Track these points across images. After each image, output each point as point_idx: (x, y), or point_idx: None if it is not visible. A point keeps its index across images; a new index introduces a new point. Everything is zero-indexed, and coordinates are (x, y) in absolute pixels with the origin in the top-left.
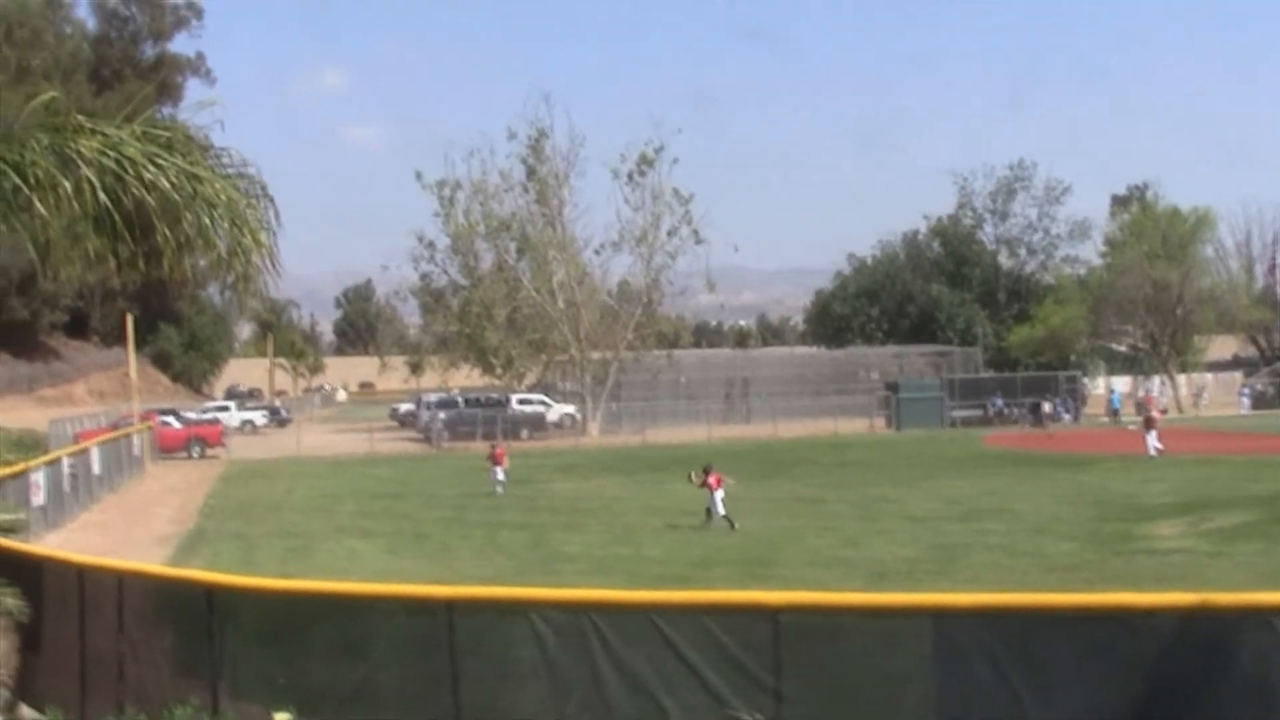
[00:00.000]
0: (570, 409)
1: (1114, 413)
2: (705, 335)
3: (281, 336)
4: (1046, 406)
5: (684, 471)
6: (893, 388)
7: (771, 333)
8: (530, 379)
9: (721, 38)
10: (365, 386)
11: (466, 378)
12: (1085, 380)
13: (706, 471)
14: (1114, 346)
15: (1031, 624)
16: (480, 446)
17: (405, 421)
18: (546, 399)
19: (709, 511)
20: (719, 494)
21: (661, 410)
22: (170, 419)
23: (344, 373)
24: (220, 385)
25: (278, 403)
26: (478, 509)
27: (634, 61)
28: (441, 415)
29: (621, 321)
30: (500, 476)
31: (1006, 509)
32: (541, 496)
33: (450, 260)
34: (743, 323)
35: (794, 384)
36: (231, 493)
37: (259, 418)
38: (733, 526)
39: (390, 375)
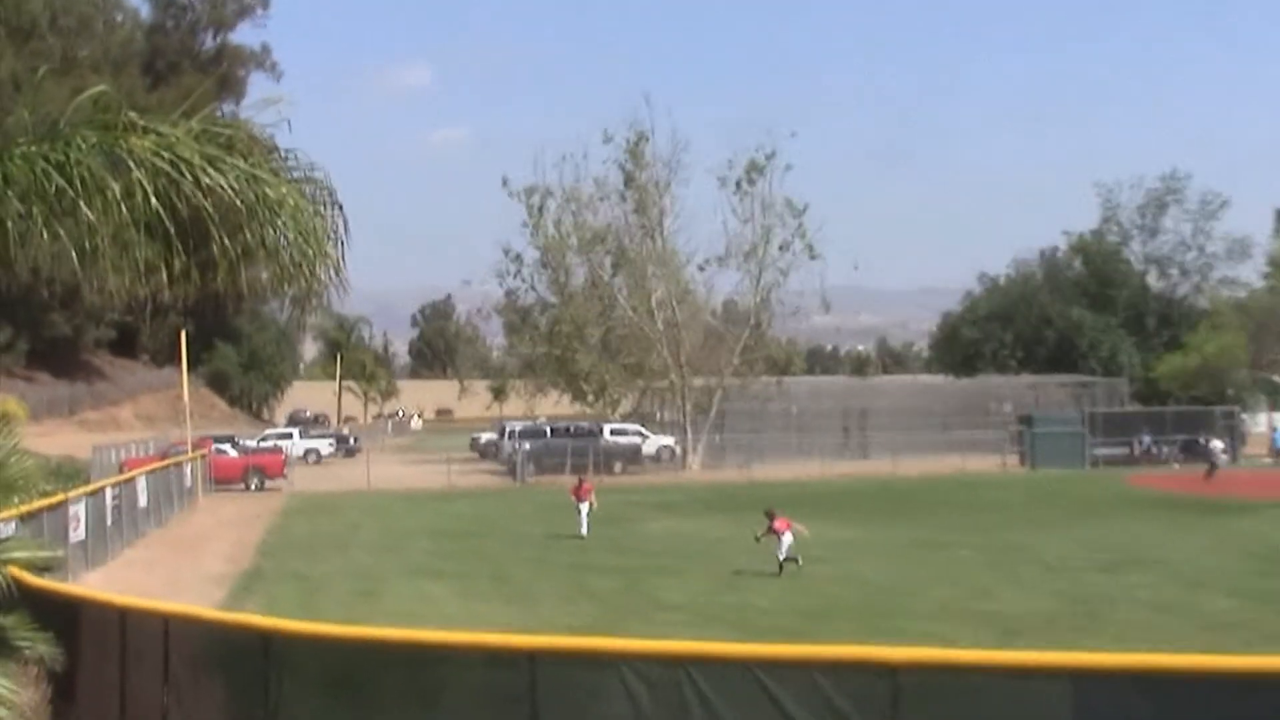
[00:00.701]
0: (669, 441)
1: (1276, 453)
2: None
3: (351, 357)
4: (1217, 444)
5: (795, 511)
6: (1027, 422)
7: (893, 359)
8: (625, 407)
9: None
10: (443, 413)
11: (554, 405)
12: (1244, 416)
13: (770, 516)
14: (1277, 379)
15: (1184, 689)
16: (570, 481)
17: (486, 452)
18: (643, 429)
19: (782, 562)
20: (786, 537)
21: (769, 443)
22: (226, 447)
23: (419, 397)
24: (282, 410)
25: (345, 430)
26: (564, 550)
27: (743, 59)
28: (526, 446)
29: (727, 345)
30: (585, 514)
31: (1155, 559)
32: (636, 537)
33: (539, 275)
34: (861, 348)
35: (917, 416)
36: (292, 529)
37: (324, 446)
38: (796, 563)
39: (470, 401)
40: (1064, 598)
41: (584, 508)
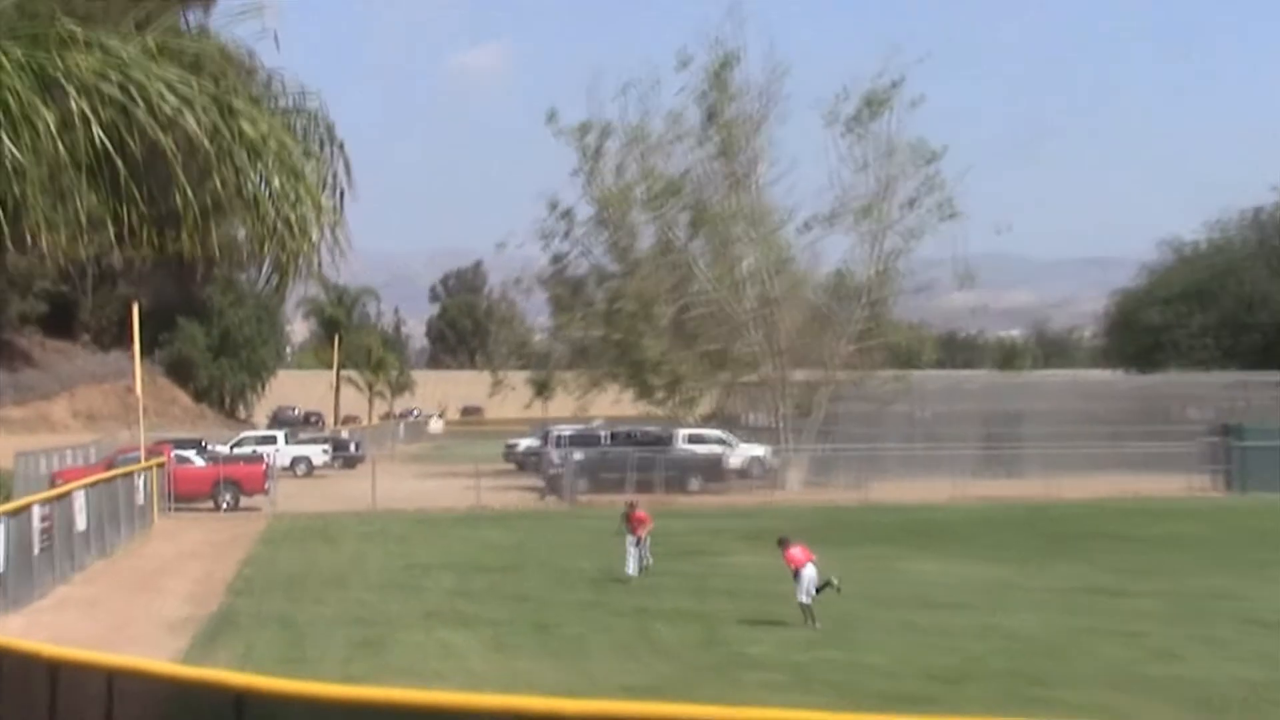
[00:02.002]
0: (760, 451)
1: None
2: (956, 351)
3: (352, 340)
4: None
5: (923, 543)
6: (1230, 432)
7: (1051, 348)
8: (704, 407)
9: None
10: (470, 413)
11: (613, 404)
12: None
13: (784, 545)
14: None
15: None
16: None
17: (525, 464)
18: (727, 436)
19: (807, 611)
20: (808, 572)
21: (891, 456)
22: (191, 454)
23: (440, 393)
24: (264, 407)
25: (345, 434)
26: (625, 591)
27: None
28: (577, 456)
29: (836, 329)
30: (635, 551)
31: None
32: (717, 574)
33: (594, 237)
34: (1011, 333)
35: (1082, 422)
36: (277, 560)
37: (318, 454)
38: (833, 587)
39: (506, 398)
40: (1277, 664)
41: (633, 543)
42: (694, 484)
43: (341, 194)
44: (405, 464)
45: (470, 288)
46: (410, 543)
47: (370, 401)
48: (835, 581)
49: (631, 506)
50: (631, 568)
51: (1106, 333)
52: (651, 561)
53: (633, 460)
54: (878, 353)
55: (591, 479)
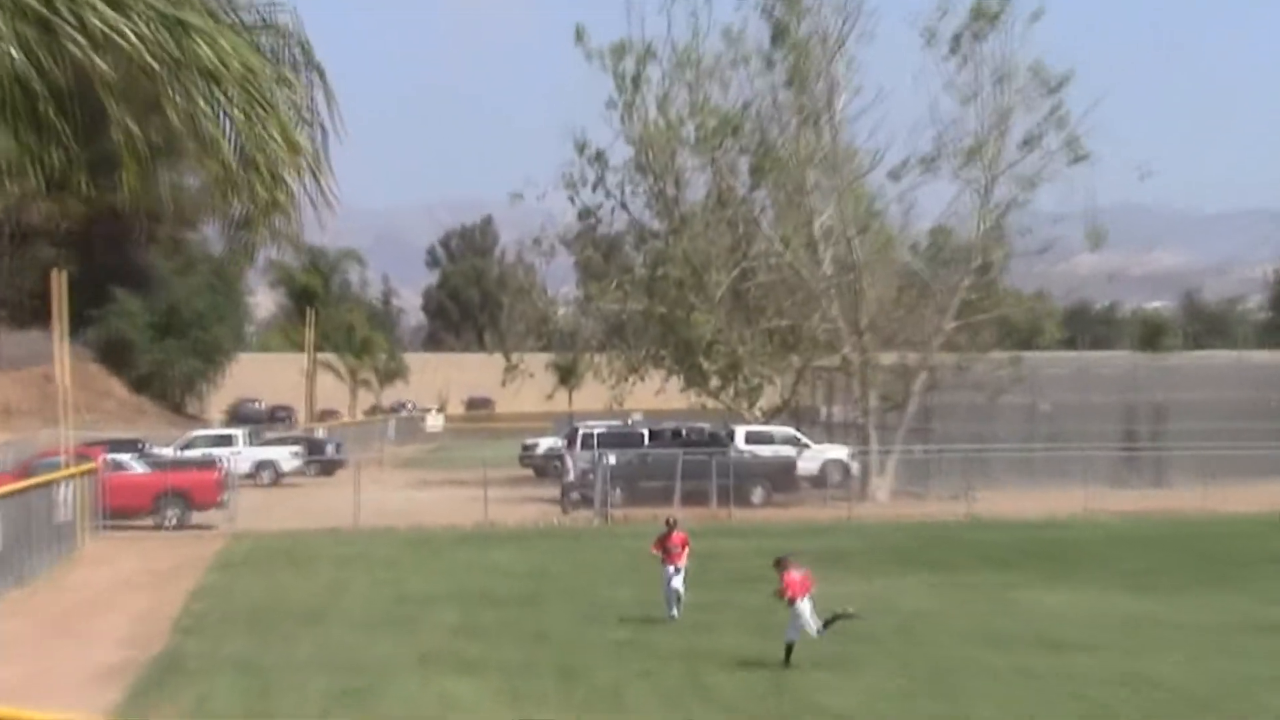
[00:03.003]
0: (840, 453)
1: None
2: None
3: (331, 315)
4: None
5: (1046, 568)
6: None
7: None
8: (770, 399)
9: None
10: (477, 406)
11: (657, 395)
12: None
13: (780, 566)
14: None
15: None
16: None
17: (546, 469)
18: (798, 434)
19: (789, 649)
20: (803, 604)
21: (1003, 460)
22: (128, 458)
23: (440, 381)
24: (220, 399)
25: (322, 432)
26: (673, 629)
27: None
28: (611, 460)
29: (935, 300)
30: (678, 584)
31: None
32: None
33: (633, 186)
34: (1156, 305)
35: (1246, 417)
36: (235, 590)
37: (287, 457)
38: (850, 616)
39: (522, 388)
40: None
41: (674, 572)
42: (758, 494)
43: (323, 131)
44: (396, 470)
45: (478, 249)
46: (403, 568)
47: (353, 392)
48: (852, 610)
49: (670, 526)
50: (674, 608)
51: (1277, 304)
52: (684, 593)
53: (682, 466)
54: (987, 330)
55: (629, 488)
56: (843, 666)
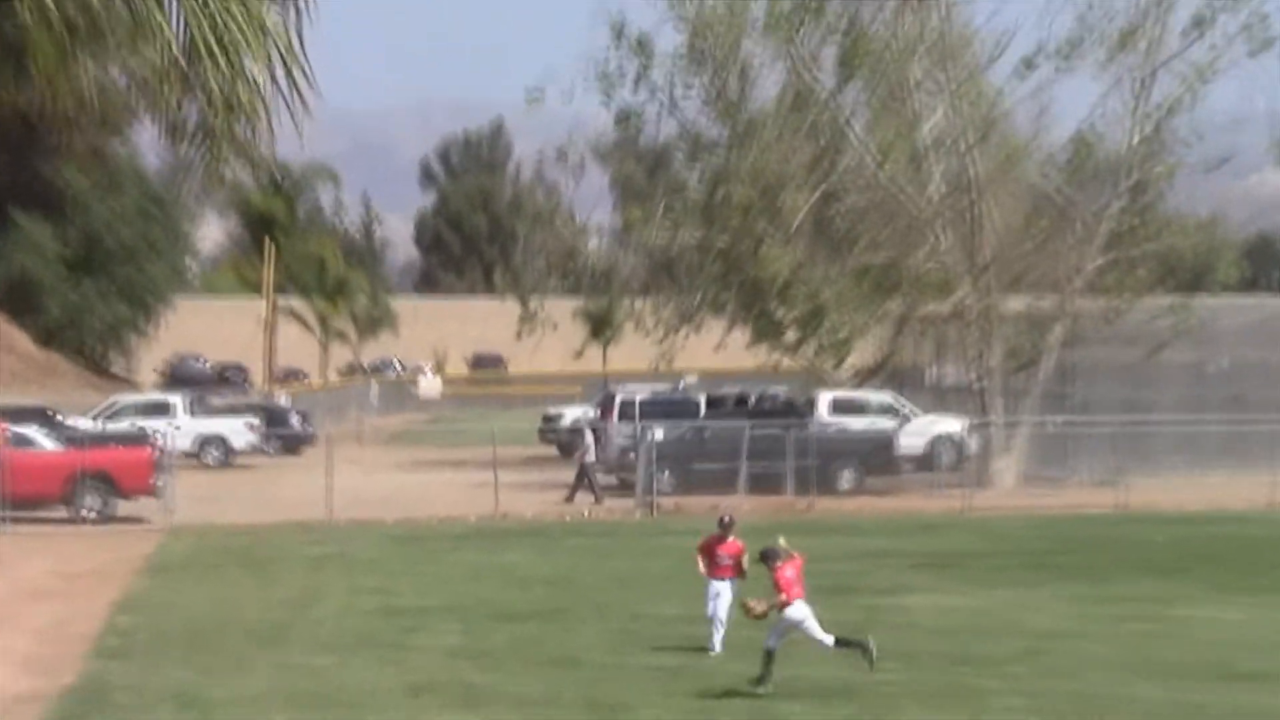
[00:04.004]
0: (952, 426)
1: None
2: (1271, 263)
3: (295, 248)
4: None
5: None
6: None
7: None
8: (863, 356)
9: None
10: (485, 364)
11: (716, 352)
12: None
13: (769, 561)
14: None
15: None
16: (744, 506)
17: (573, 447)
18: (899, 402)
19: (766, 662)
20: (795, 611)
21: (1166, 435)
22: (32, 431)
23: (437, 333)
24: (154, 356)
25: (284, 399)
26: (732, 651)
27: None
28: (657, 436)
29: (1076, 230)
30: (722, 611)
31: None
32: (882, 623)
33: (686, 83)
34: None
35: None
36: (174, 601)
37: (240, 432)
38: (863, 651)
39: (543, 342)
40: None
41: (720, 592)
42: (846, 479)
43: (298, 10)
44: (381, 448)
45: (485, 164)
46: (389, 573)
47: (325, 348)
48: (872, 647)
49: (724, 526)
50: (717, 641)
51: None
52: (719, 647)
53: (748, 444)
54: (1143, 267)
55: (681, 472)
56: (956, 702)
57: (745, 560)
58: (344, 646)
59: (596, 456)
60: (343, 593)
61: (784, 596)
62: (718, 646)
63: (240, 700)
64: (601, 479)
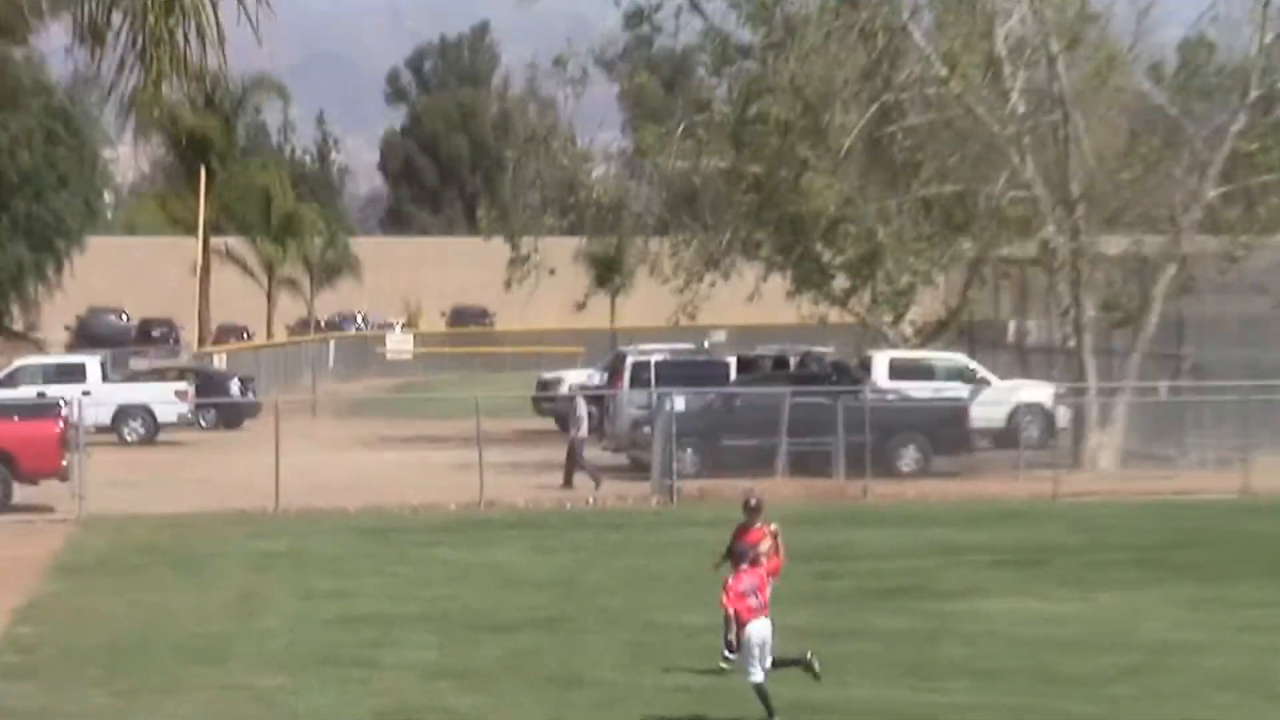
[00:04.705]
0: (1040, 394)
1: None
2: None
3: (237, 179)
4: None
5: None
6: None
7: None
8: (926, 309)
9: None
10: (467, 319)
11: (750, 303)
12: None
13: (743, 559)
14: None
15: None
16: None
17: (569, 419)
18: (973, 364)
19: (730, 646)
20: (758, 628)
21: None
22: None
23: (408, 282)
24: (62, 310)
25: (221, 361)
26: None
27: None
28: (679, 404)
29: (1189, 155)
30: (758, 631)
31: None
32: (952, 632)
33: None
34: None
35: None
36: (87, 608)
37: (168, 401)
38: (806, 667)
39: (537, 292)
40: None
41: (744, 591)
42: (909, 459)
43: None
44: (341, 420)
45: (466, 75)
46: (351, 574)
47: (271, 299)
48: (812, 660)
49: (751, 509)
50: (757, 661)
51: None
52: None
53: (788, 413)
54: (1270, 200)
55: (707, 448)
56: None
57: (765, 547)
58: (297, 664)
59: (602, 431)
60: (295, 598)
61: (733, 599)
62: (729, 657)
63: None
64: (610, 459)
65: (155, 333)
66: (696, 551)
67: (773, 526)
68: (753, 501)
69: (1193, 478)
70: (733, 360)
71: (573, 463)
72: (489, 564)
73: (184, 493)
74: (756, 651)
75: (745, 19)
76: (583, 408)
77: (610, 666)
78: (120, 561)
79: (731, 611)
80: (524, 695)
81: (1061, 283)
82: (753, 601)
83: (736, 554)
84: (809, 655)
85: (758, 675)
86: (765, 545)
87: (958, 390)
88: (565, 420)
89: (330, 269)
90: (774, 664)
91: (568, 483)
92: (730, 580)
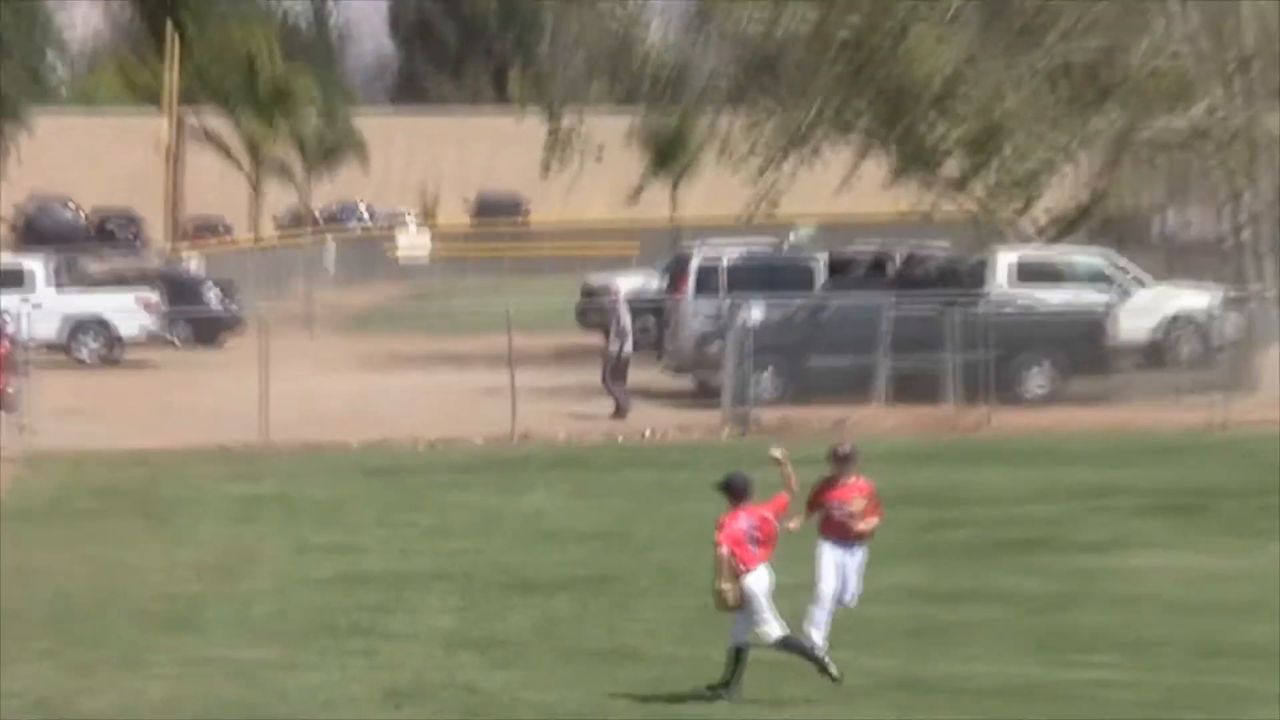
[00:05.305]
0: (1198, 301)
1: None
2: None
3: (211, 41)
4: None
5: None
6: None
7: None
8: (1058, 197)
9: None
10: (495, 210)
11: (840, 192)
12: None
13: (737, 495)
14: None
15: None
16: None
17: (619, 334)
18: (1114, 264)
19: (733, 662)
20: (755, 580)
21: None
22: None
23: (422, 167)
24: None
25: (194, 264)
26: (866, 643)
27: None
28: (755, 316)
29: None
30: (848, 591)
31: None
32: (1094, 594)
33: None
34: None
35: None
36: (31, 565)
37: (130, 311)
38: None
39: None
40: None
41: (836, 562)
42: (1037, 381)
43: None
44: (341, 336)
45: None
46: (354, 524)
47: (255, 188)
48: (833, 669)
49: (842, 458)
50: (818, 648)
51: None
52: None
53: (890, 326)
54: None
55: (789, 369)
56: (1204, 713)
57: (856, 507)
58: (287, 634)
59: (661, 348)
60: (286, 553)
61: (736, 562)
62: (831, 668)
63: (133, 712)
64: (671, 383)
65: (114, 228)
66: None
67: (868, 482)
68: (843, 450)
69: None
70: (821, 261)
71: (618, 385)
72: (522, 511)
73: (151, 424)
74: (766, 603)
75: None
76: (626, 316)
77: (669, 638)
78: (72, 508)
79: (726, 551)
80: (563, 671)
81: (1226, 165)
82: (753, 548)
83: (821, 512)
84: (828, 663)
85: (777, 629)
86: (857, 504)
87: (1097, 297)
88: (612, 332)
89: (329, 151)
90: (785, 644)
91: (619, 412)
92: (725, 517)
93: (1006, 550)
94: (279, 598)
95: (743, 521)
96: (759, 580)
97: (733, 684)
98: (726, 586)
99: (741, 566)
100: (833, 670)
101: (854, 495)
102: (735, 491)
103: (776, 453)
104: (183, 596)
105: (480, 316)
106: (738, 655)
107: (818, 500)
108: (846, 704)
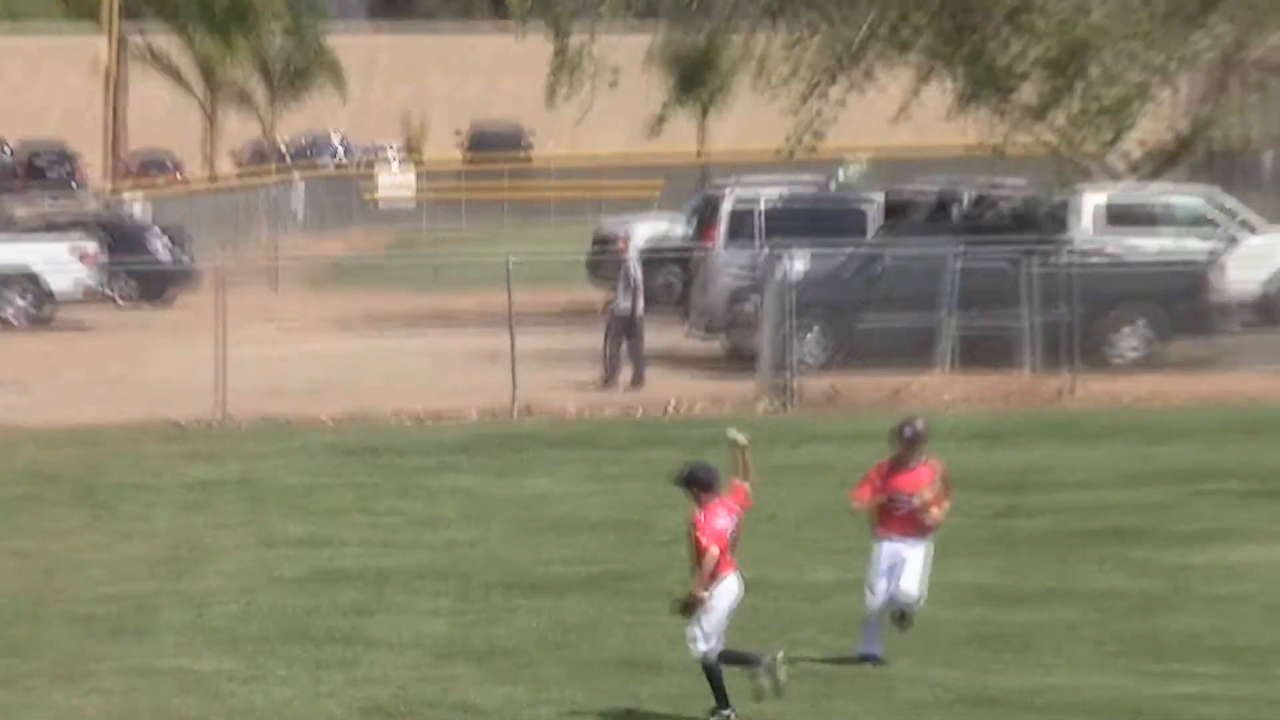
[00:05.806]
0: None
1: None
2: None
3: None
4: None
5: None
6: None
7: None
8: (1150, 129)
9: None
10: (492, 144)
11: (896, 125)
12: None
13: (692, 487)
14: None
15: None
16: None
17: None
18: (1219, 207)
19: (713, 678)
20: (726, 591)
21: None
22: None
23: (405, 92)
24: None
25: (140, 208)
26: (927, 651)
27: None
28: (797, 268)
29: None
30: (908, 584)
31: None
32: (1191, 592)
33: None
34: None
35: None
36: None
37: (63, 262)
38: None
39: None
40: None
41: (896, 558)
42: (1129, 342)
43: None
44: (311, 293)
45: None
46: (327, 513)
47: (211, 118)
48: (782, 669)
49: (910, 438)
50: (873, 640)
51: None
52: (919, 596)
53: (957, 279)
54: None
55: (838, 333)
56: None
57: (927, 495)
58: (250, 640)
59: (687, 305)
60: (249, 547)
61: (705, 541)
62: (878, 652)
63: None
64: (699, 346)
65: (44, 165)
66: (824, 479)
67: (939, 463)
68: (910, 430)
69: None
70: (875, 203)
71: (634, 350)
72: (524, 497)
73: (90, 397)
74: (724, 618)
75: None
76: (636, 268)
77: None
78: (1, 494)
79: (716, 552)
80: (574, 685)
81: None
82: (730, 552)
83: (885, 501)
84: (777, 658)
85: (707, 643)
86: (927, 492)
87: (1199, 245)
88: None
89: (296, 75)
90: (729, 658)
91: (638, 380)
92: (699, 515)
93: (1091, 543)
94: (241, 598)
95: (723, 519)
96: (728, 591)
97: (723, 702)
98: (705, 594)
99: (721, 569)
100: (781, 675)
101: (923, 484)
102: (703, 483)
103: (740, 437)
104: (129, 597)
105: (475, 269)
106: (713, 672)
107: (883, 488)
108: None
